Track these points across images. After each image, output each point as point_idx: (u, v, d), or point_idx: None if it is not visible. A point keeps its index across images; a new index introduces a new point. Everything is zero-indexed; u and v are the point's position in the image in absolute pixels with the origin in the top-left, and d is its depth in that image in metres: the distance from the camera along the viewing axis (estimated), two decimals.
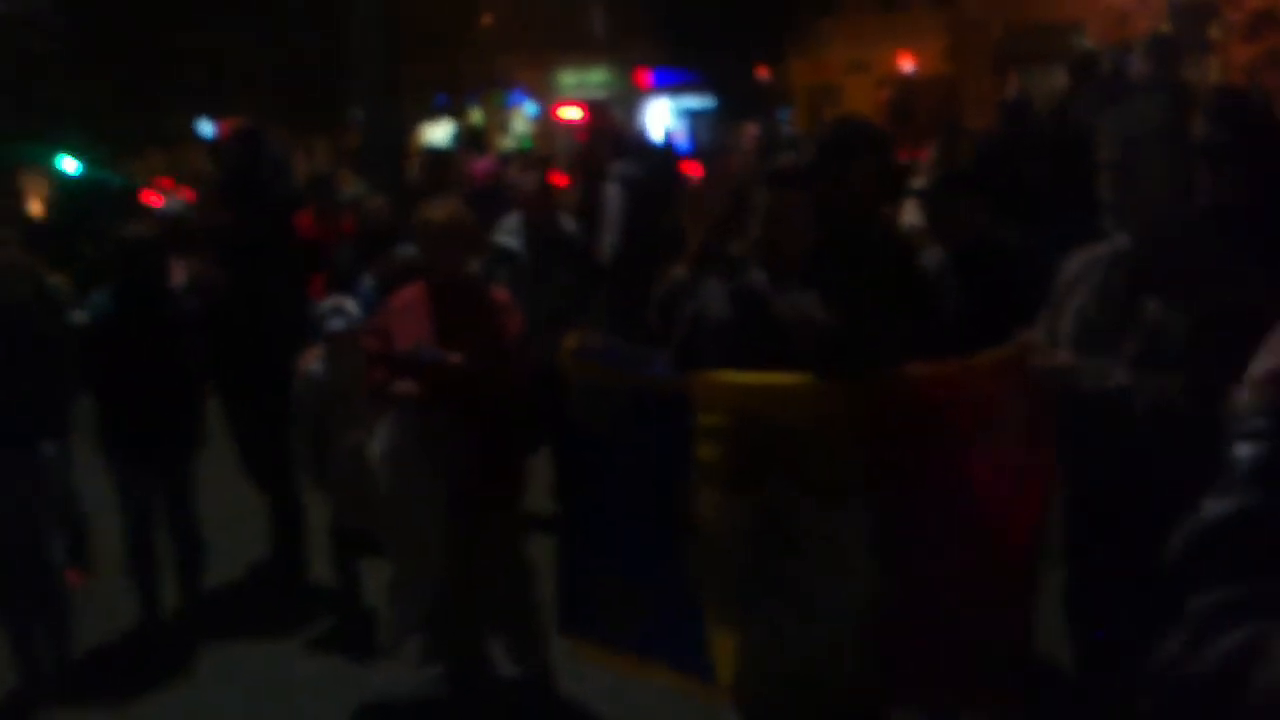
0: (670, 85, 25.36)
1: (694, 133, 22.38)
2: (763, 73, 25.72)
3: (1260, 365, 1.42)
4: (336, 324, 5.03)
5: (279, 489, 6.01)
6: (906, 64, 26.26)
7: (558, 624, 4.14)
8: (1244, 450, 1.36)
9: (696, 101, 26.23)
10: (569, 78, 27.06)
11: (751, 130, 5.95)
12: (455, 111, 22.02)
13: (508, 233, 6.16)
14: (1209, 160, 3.41)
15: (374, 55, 8.78)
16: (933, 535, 3.41)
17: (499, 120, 24.63)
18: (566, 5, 24.46)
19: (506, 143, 21.54)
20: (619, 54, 25.95)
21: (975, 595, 3.41)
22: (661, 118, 24.11)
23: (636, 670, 4.03)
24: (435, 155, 8.77)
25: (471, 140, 17.97)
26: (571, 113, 24.64)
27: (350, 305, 5.17)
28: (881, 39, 26.13)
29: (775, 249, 3.53)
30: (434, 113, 20.36)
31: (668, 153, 8.75)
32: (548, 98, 26.90)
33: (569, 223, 6.35)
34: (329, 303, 5.23)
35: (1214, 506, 1.35)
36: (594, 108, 12.18)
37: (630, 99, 25.02)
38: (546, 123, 25.84)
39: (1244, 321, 2.75)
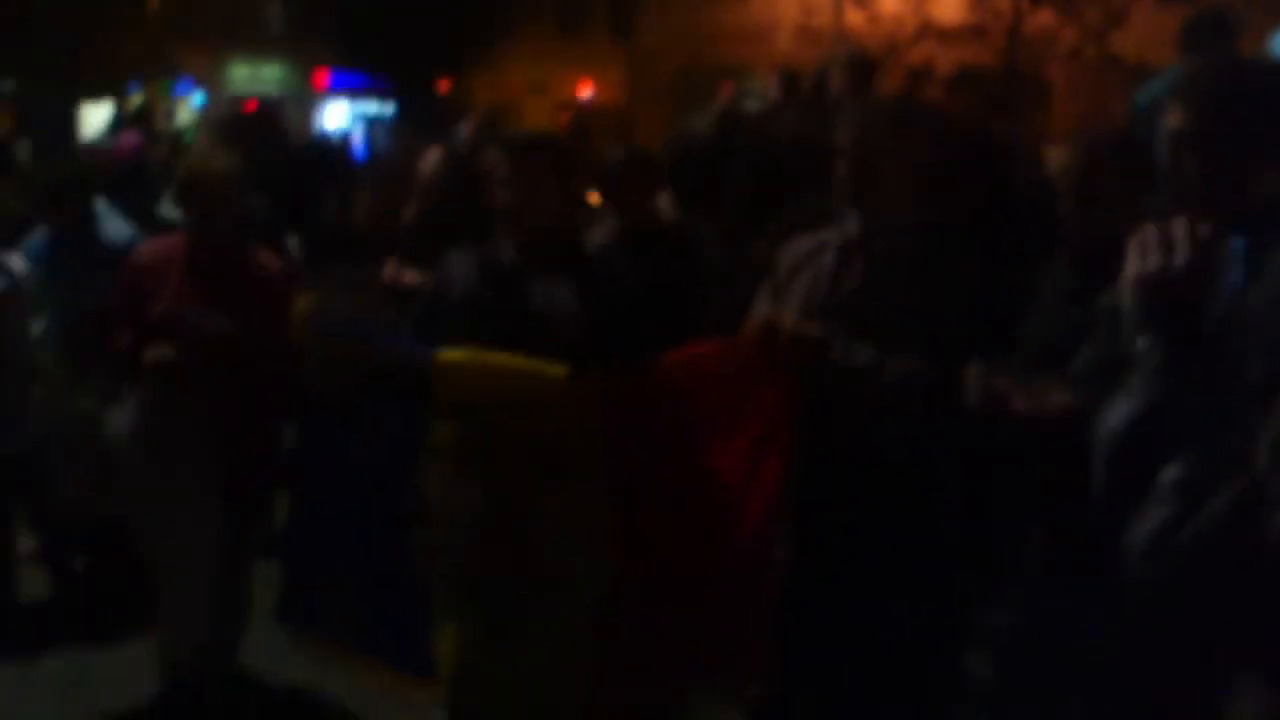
0: (349, 88, 24.90)
1: (371, 138, 22.09)
2: (443, 85, 25.69)
3: (1146, 264, 1.53)
4: None
5: None
6: (585, 90, 26.96)
7: (276, 612, 3.88)
8: (1144, 344, 1.49)
9: (375, 107, 25.87)
10: (241, 70, 26.05)
11: (433, 155, 6.01)
12: (116, 94, 20.77)
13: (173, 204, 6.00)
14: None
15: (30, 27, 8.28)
16: (670, 520, 3.38)
17: (164, 109, 23.35)
18: None
19: (168, 132, 20.42)
20: (296, 51, 25.24)
21: (709, 578, 3.37)
22: (338, 120, 23.64)
23: (356, 668, 3.84)
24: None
25: (132, 124, 17.04)
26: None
27: (16, 261, 4.80)
28: (562, 63, 26.71)
29: (520, 219, 3.50)
30: (95, 93, 19.12)
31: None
32: (218, 89, 25.79)
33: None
34: None
35: (1147, 391, 1.46)
36: (264, 106, 11.90)
37: (306, 98, 24.38)
38: (213, 115, 24.77)
39: (972, 307, 3.07)
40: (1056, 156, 4.65)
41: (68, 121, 11.98)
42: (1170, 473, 1.41)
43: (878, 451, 3.09)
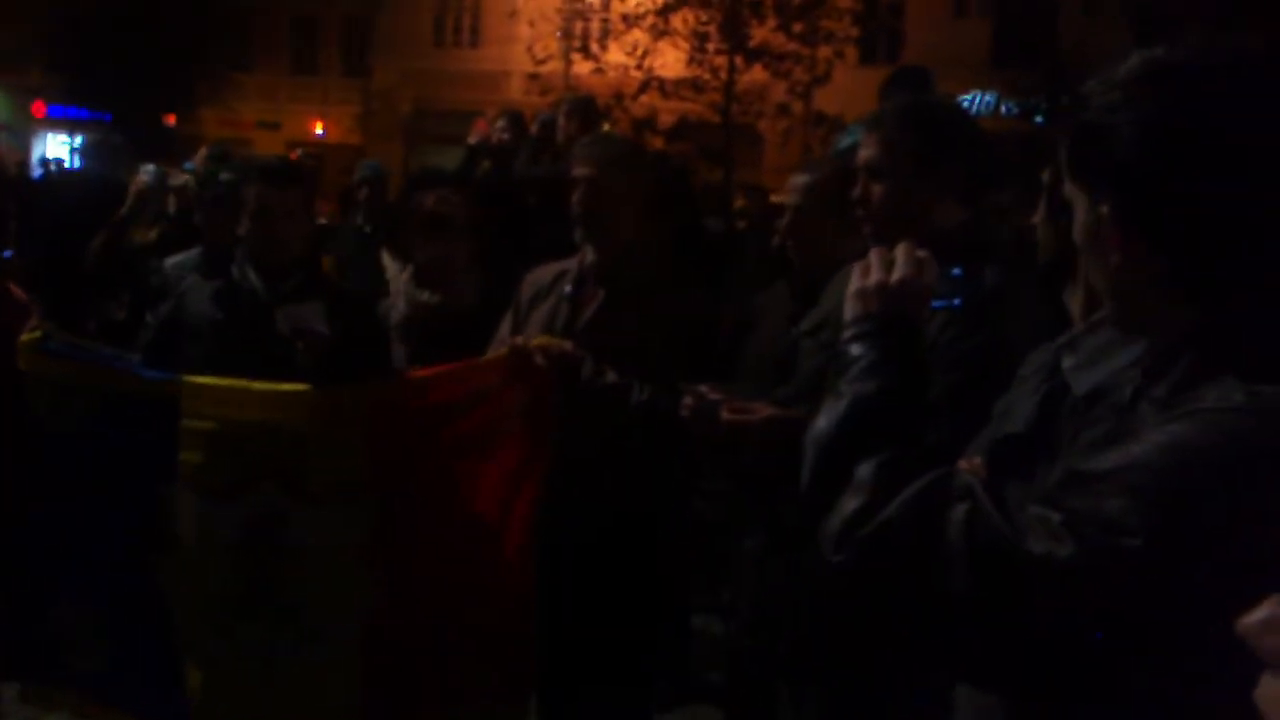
0: (69, 118, 23.90)
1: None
2: (170, 119, 25.00)
3: (866, 280, 1.64)
4: None
5: None
6: (317, 127, 26.79)
7: (2, 665, 3.59)
8: (856, 349, 1.58)
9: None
10: None
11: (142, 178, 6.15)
12: None
13: None
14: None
15: None
16: (430, 540, 3.36)
17: None
18: None
19: None
20: (10, 80, 24.04)
21: (474, 599, 3.36)
22: (58, 151, 22.64)
23: (97, 716, 3.59)
24: None
25: None
26: None
27: None
28: (295, 100, 26.48)
29: (267, 244, 3.57)
30: None
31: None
32: None
33: None
34: None
35: (854, 391, 1.54)
36: None
37: (25, 128, 23.28)
38: None
39: (692, 328, 3.33)
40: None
41: None
42: (865, 468, 1.46)
43: (618, 467, 3.30)
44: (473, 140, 6.67)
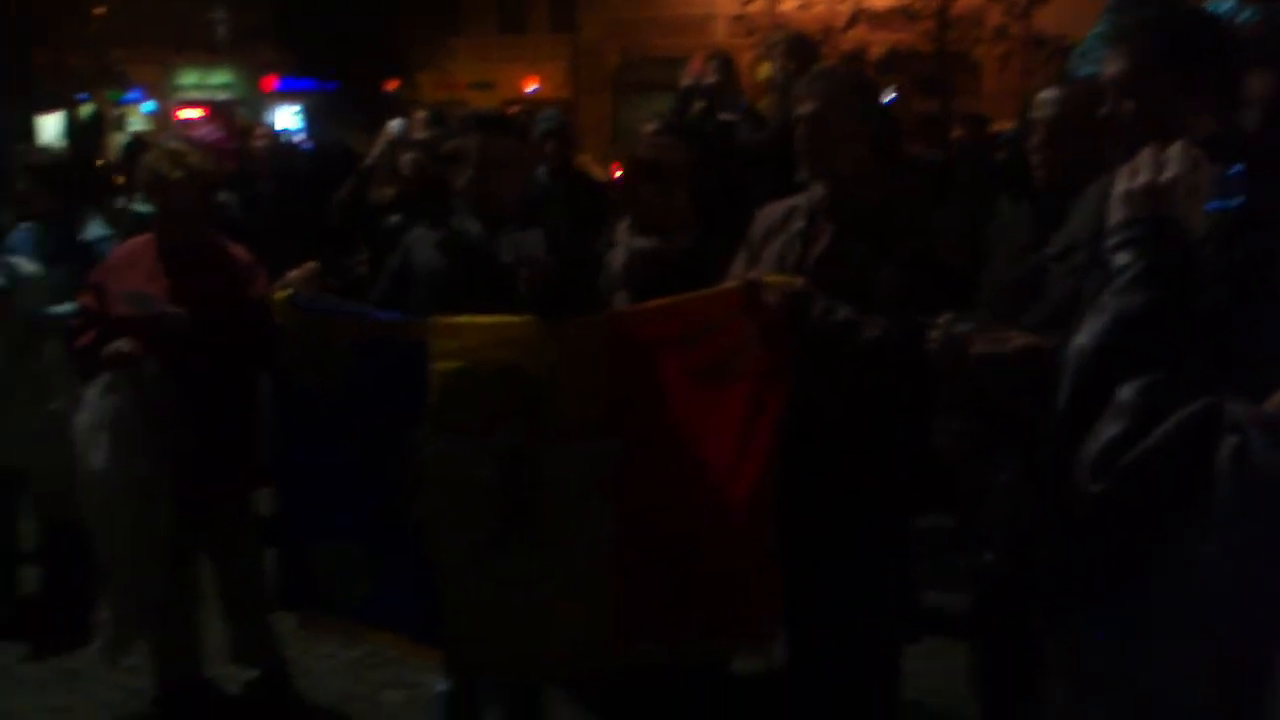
0: (297, 91, 25.06)
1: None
2: (391, 85, 25.89)
3: (1135, 181, 1.53)
4: None
5: None
6: (530, 85, 27.28)
7: (280, 599, 3.90)
8: (1122, 257, 1.47)
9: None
10: (189, 77, 26.20)
11: (418, 117, 6.41)
12: (66, 105, 20.88)
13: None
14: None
15: None
16: (670, 474, 3.41)
17: (113, 117, 23.45)
18: (186, 5, 23.73)
19: (120, 139, 20.64)
20: (242, 57, 25.38)
21: (715, 532, 3.41)
22: (288, 122, 23.78)
23: (370, 640, 3.89)
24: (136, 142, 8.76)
25: (85, 132, 17.32)
26: (192, 113, 23.87)
27: (25, 266, 4.91)
28: (507, 59, 27.01)
29: (487, 194, 3.65)
30: (46, 105, 19.26)
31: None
32: (166, 96, 25.89)
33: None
34: None
35: (1120, 305, 1.43)
36: (218, 110, 12.02)
37: (257, 103, 24.55)
38: (165, 121, 24.89)
39: (922, 261, 3.26)
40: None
41: (28, 132, 12.17)
42: (1127, 391, 1.37)
43: (850, 403, 3.28)
44: (686, 82, 6.68)
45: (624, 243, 4.23)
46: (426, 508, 3.50)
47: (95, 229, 5.28)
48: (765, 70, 7.36)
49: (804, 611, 3.58)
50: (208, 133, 7.01)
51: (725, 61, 6.87)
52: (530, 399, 3.41)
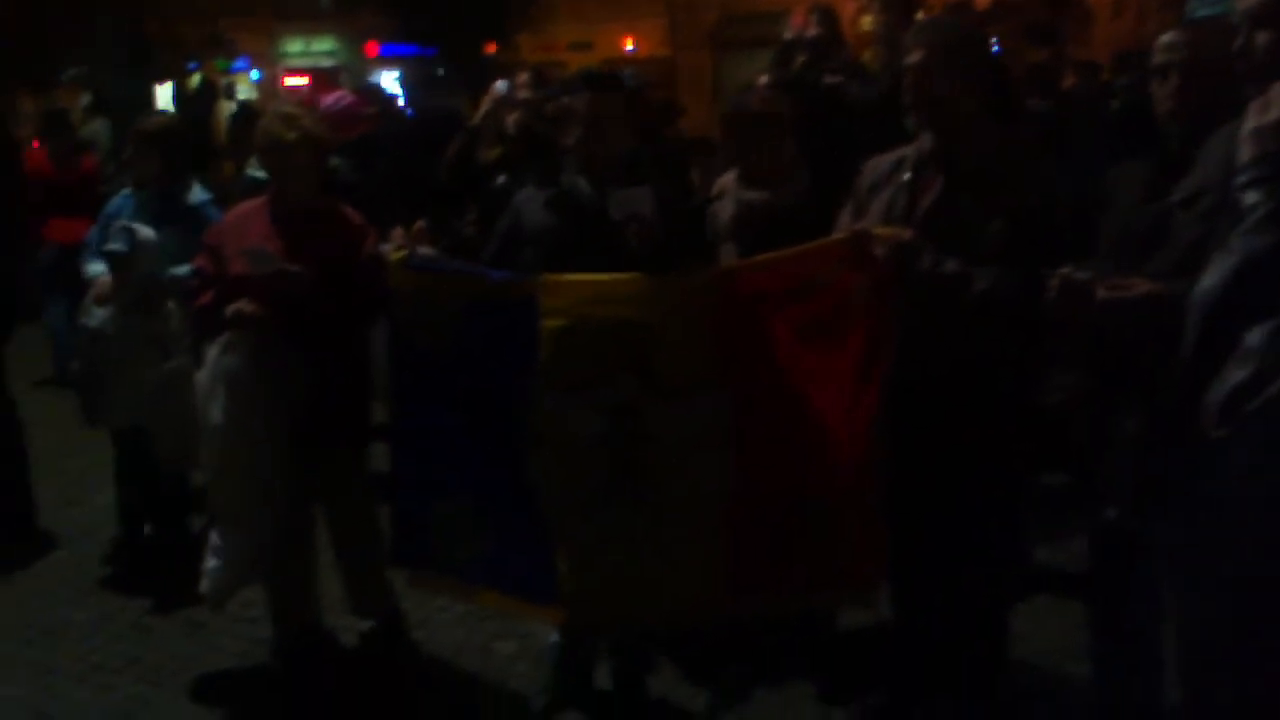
0: (400, 56, 25.32)
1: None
2: (491, 48, 26.01)
3: (1266, 116, 1.47)
4: (117, 244, 4.93)
5: None
6: (628, 43, 27.20)
7: (391, 555, 3.98)
8: (1251, 196, 1.42)
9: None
10: (294, 45, 26.61)
11: (521, 78, 6.45)
12: (177, 74, 21.37)
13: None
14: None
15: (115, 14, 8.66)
16: (780, 428, 3.42)
17: (222, 86, 23.95)
18: None
19: (229, 107, 21.04)
20: (345, 24, 25.71)
21: (824, 486, 3.42)
22: (391, 88, 24.08)
23: (477, 600, 3.97)
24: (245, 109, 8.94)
25: (193, 101, 17.73)
26: (297, 81, 24.33)
27: (144, 231, 5.01)
28: (605, 19, 26.88)
29: (594, 152, 3.67)
30: (157, 74, 19.78)
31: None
32: (271, 64, 26.35)
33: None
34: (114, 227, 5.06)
35: (1249, 246, 1.39)
36: (321, 76, 12.06)
37: (360, 69, 24.83)
38: (271, 88, 25.36)
39: (1034, 211, 3.21)
40: None
41: (146, 100, 12.48)
42: (1255, 335, 1.36)
43: (959, 356, 3.24)
44: (788, 36, 6.61)
45: (732, 195, 4.22)
46: (538, 465, 3.54)
47: (198, 193, 5.40)
48: (867, 22, 7.23)
49: (911, 567, 3.59)
50: (340, 97, 7.07)
51: (827, 14, 6.78)
52: (640, 355, 3.43)
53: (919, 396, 3.31)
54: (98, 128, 9.87)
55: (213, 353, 3.97)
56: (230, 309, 3.92)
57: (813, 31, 6.46)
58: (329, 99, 6.95)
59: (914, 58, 3.34)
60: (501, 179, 5.81)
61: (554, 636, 4.18)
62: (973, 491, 3.42)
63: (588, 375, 3.46)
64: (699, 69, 25.09)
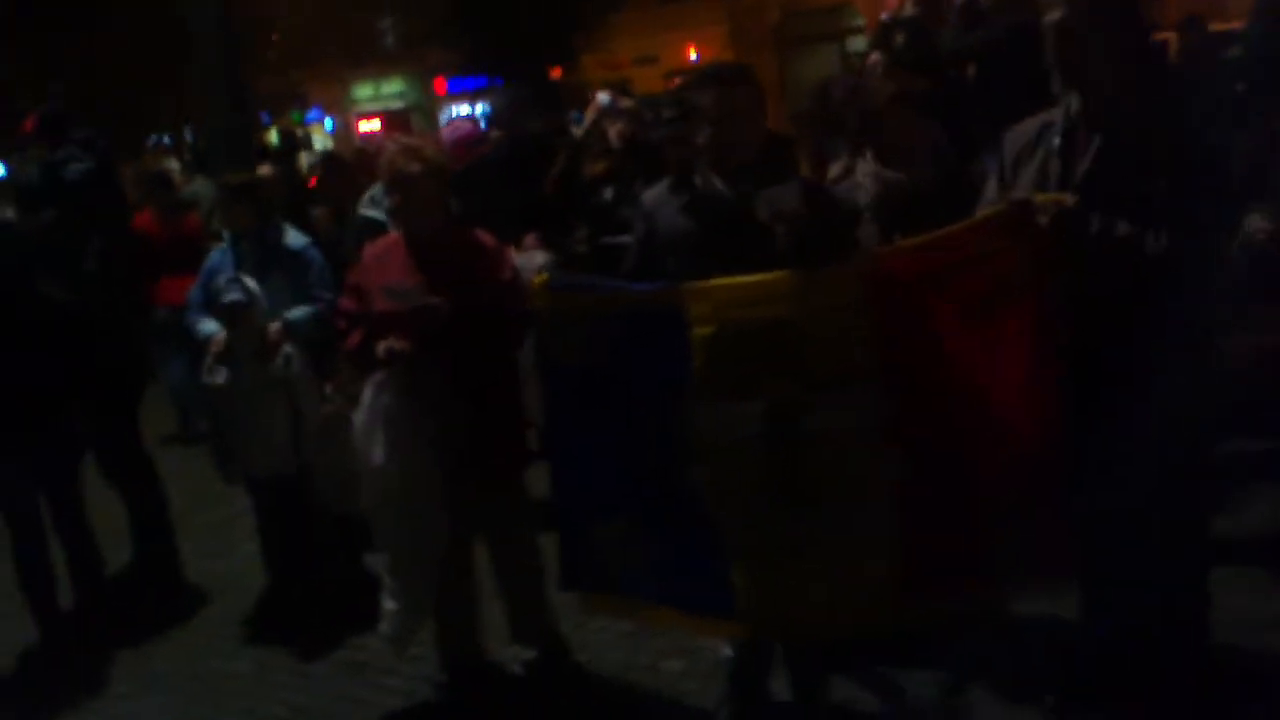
0: (468, 90, 25.60)
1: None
2: (556, 73, 26.20)
3: None
4: (234, 295, 4.98)
5: (136, 488, 5.91)
6: (691, 53, 27.20)
7: (560, 581, 3.89)
8: None
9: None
10: (364, 90, 27.03)
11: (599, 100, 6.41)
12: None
13: (374, 204, 6.30)
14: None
15: (218, 67, 8.81)
16: (950, 413, 3.29)
17: (300, 136, 24.40)
18: (357, 19, 24.45)
19: (307, 158, 21.43)
20: (412, 64, 26.04)
21: (998, 473, 3.28)
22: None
23: (652, 620, 3.86)
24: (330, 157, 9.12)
25: (279, 154, 18.01)
26: (370, 125, 24.71)
27: (250, 282, 5.07)
28: (666, 31, 26.96)
29: (727, 149, 3.52)
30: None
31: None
32: (343, 111, 26.79)
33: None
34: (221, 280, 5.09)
35: None
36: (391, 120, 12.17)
37: (429, 107, 25.18)
38: (345, 135, 25.75)
39: (1204, 176, 3.08)
40: None
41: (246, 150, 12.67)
42: None
43: (1144, 323, 3.09)
44: (884, 16, 6.53)
45: (869, 175, 4.12)
46: (700, 475, 3.45)
47: (295, 238, 5.42)
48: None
49: (1100, 554, 3.42)
50: (456, 128, 7.12)
51: None
52: (795, 353, 3.31)
53: (1095, 372, 3.17)
54: (198, 187, 10.01)
55: (368, 393, 3.97)
56: (381, 347, 3.91)
57: (910, 10, 6.37)
58: (447, 130, 6.98)
59: (1055, 15, 3.22)
60: (609, 192, 5.78)
61: (726, 650, 4.07)
62: (1161, 468, 3.24)
63: (742, 379, 3.36)
64: (764, 69, 24.93)
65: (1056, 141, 3.30)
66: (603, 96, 5.98)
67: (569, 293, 3.65)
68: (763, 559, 3.45)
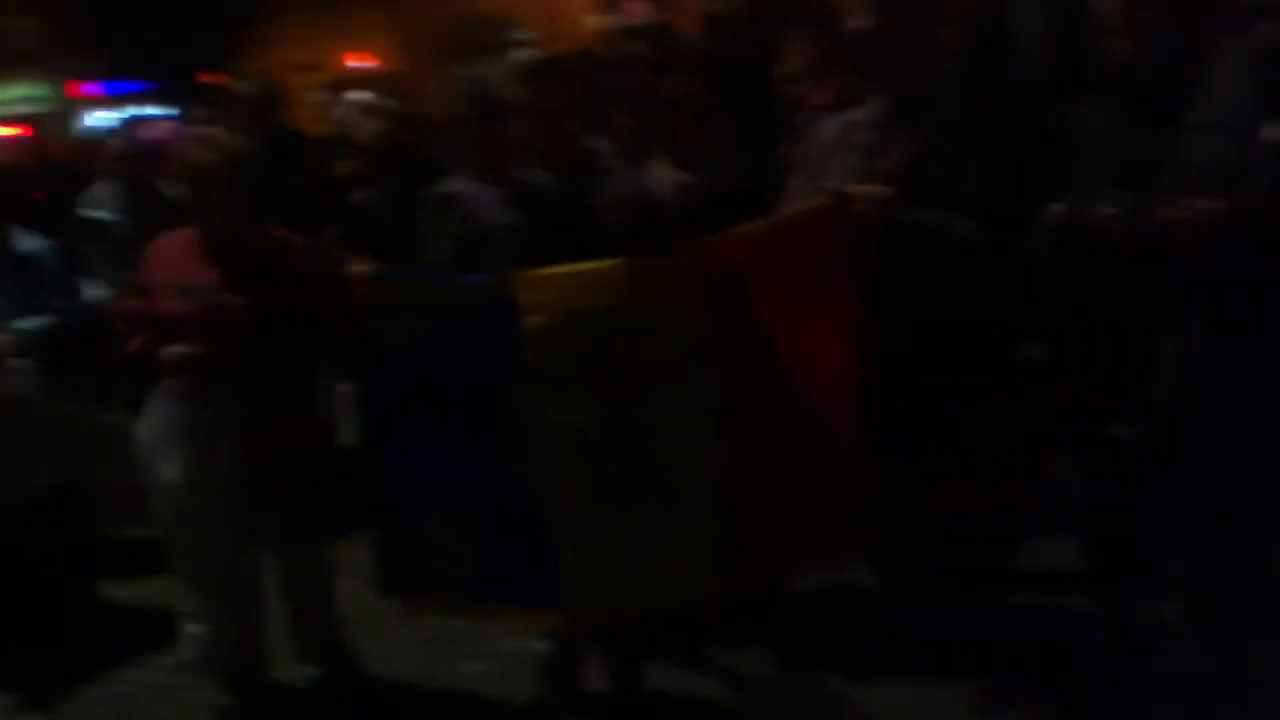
0: (118, 95, 23.96)
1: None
2: (215, 78, 24.95)
3: None
4: None
5: None
6: (355, 60, 26.57)
7: (379, 584, 3.79)
8: None
9: (152, 109, 24.85)
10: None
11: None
12: None
13: (97, 204, 5.91)
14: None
15: None
16: (774, 398, 3.43)
17: None
18: None
19: None
20: (54, 67, 24.10)
21: (818, 453, 3.45)
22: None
23: (479, 617, 3.83)
24: None
25: None
26: (4, 131, 22.58)
27: None
28: (329, 39, 26.20)
29: (554, 141, 3.59)
30: None
31: None
32: None
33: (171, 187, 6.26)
34: None
35: None
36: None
37: (74, 111, 23.37)
38: None
39: (1014, 164, 3.27)
40: None
41: None
42: None
43: (951, 306, 3.30)
44: (621, 23, 6.63)
45: (662, 179, 4.20)
46: (535, 464, 3.45)
47: (27, 241, 4.96)
48: (595, 20, 7.28)
49: (904, 521, 3.65)
50: (165, 130, 6.69)
51: None
52: (630, 341, 3.39)
53: (908, 354, 3.38)
54: None
55: (152, 402, 3.70)
56: (167, 352, 3.63)
57: (646, 18, 6.51)
58: (143, 130, 6.55)
59: (861, 22, 3.44)
60: (360, 193, 5.60)
61: (538, 645, 4.07)
62: (971, 454, 3.51)
63: (581, 367, 3.41)
64: (433, 77, 24.72)
65: (865, 138, 3.49)
66: (352, 95, 5.78)
67: (396, 283, 3.57)
68: (593, 546, 3.49)
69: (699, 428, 3.44)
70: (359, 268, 3.57)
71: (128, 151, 6.10)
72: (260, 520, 3.85)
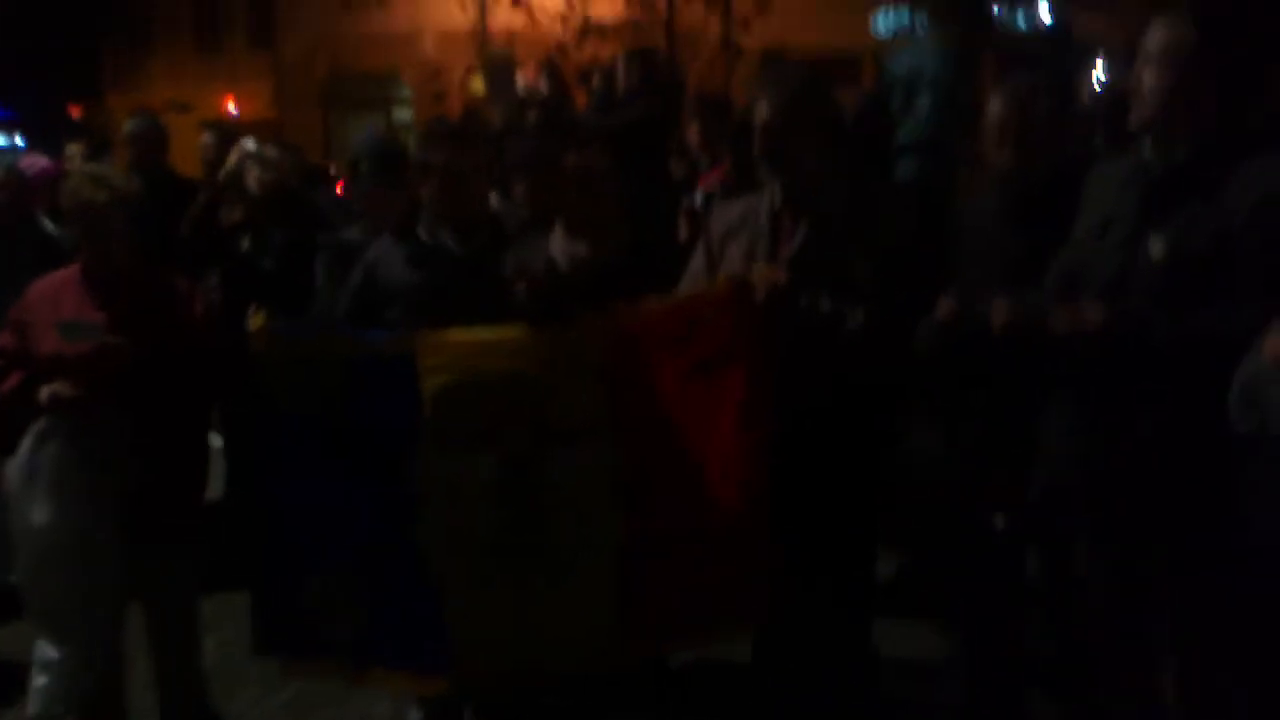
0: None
1: None
2: (75, 110, 24.27)
3: None
4: None
5: None
6: (229, 105, 26.20)
7: (254, 642, 3.64)
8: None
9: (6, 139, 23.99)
10: None
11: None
12: None
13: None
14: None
15: None
16: (671, 470, 3.44)
17: None
18: None
19: None
20: None
21: (714, 522, 3.44)
22: None
23: (359, 680, 3.66)
24: None
25: None
26: None
27: None
28: (205, 80, 25.82)
29: (458, 205, 3.61)
30: None
31: None
32: None
33: (47, 222, 6.07)
34: None
35: None
36: None
37: None
38: None
39: (907, 257, 3.38)
40: None
41: None
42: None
43: (845, 391, 3.38)
44: (520, 93, 6.72)
45: (559, 248, 4.22)
46: (428, 525, 3.42)
47: None
48: (477, 83, 7.42)
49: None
50: (33, 163, 6.45)
51: (555, 72, 6.95)
52: (532, 404, 3.39)
53: (802, 429, 3.42)
54: None
55: (26, 444, 3.51)
56: (45, 391, 3.49)
57: (545, 89, 6.61)
58: (25, 163, 6.32)
59: (762, 114, 3.47)
60: (246, 243, 5.50)
61: (413, 713, 3.99)
62: (848, 528, 3.58)
63: (476, 430, 3.39)
64: (309, 128, 24.49)
65: (763, 224, 3.56)
66: (247, 142, 5.68)
67: (292, 337, 3.49)
68: (484, 607, 3.45)
69: (597, 496, 3.43)
70: (255, 319, 3.47)
71: (7, 184, 5.87)
72: (132, 569, 3.67)
